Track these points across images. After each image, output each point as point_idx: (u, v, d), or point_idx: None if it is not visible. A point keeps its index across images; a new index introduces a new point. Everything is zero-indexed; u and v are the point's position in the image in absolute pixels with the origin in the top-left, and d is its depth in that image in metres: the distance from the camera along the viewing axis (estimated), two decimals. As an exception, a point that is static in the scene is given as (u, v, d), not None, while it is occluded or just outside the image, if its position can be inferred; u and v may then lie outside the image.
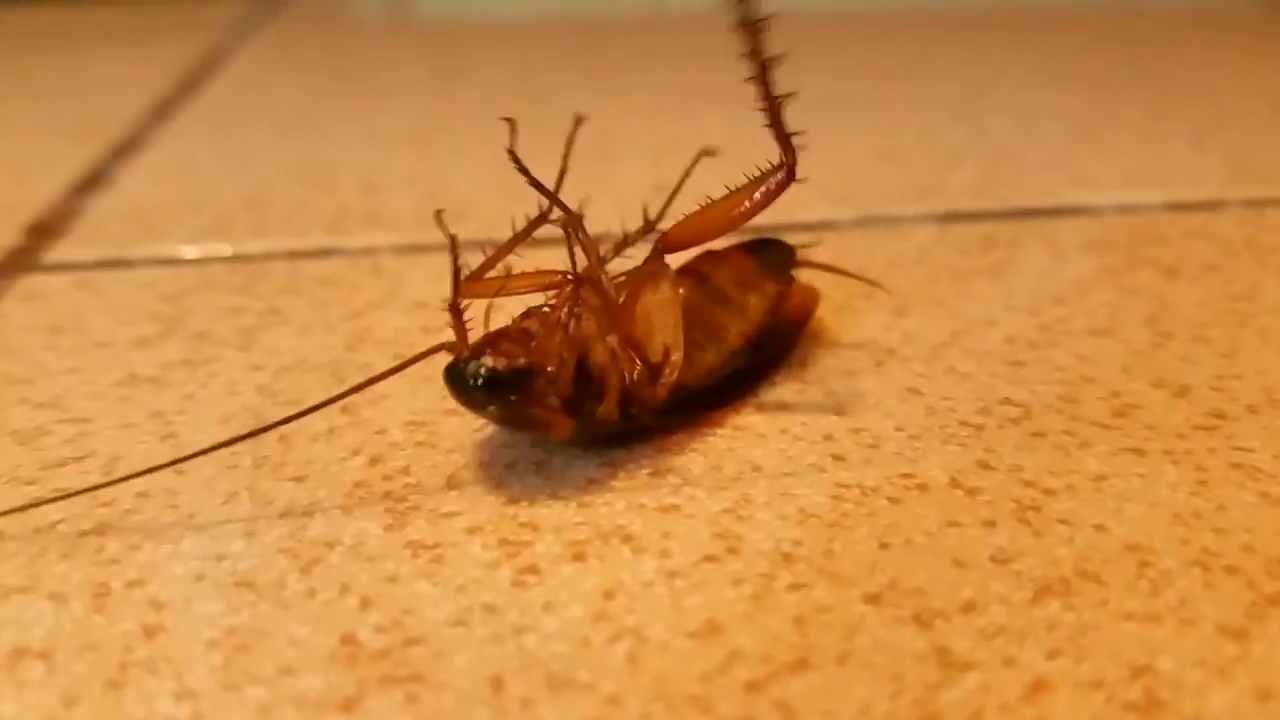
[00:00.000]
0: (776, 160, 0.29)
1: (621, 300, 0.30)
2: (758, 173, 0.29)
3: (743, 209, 0.30)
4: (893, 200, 0.50)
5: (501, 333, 0.29)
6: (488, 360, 0.27)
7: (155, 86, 0.73)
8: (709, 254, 0.34)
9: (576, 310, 0.29)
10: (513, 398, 0.28)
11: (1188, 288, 0.40)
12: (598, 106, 0.67)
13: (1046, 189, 0.51)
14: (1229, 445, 0.30)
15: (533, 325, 0.29)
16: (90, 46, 0.87)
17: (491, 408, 0.28)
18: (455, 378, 0.28)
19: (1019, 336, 0.37)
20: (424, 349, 0.29)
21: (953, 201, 0.50)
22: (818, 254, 0.36)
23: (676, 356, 0.30)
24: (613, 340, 0.30)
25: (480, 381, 0.27)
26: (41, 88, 0.75)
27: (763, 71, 0.28)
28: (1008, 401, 0.33)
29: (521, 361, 0.27)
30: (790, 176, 0.29)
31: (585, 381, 0.29)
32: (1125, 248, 0.44)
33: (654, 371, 0.30)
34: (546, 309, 0.30)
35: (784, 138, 0.29)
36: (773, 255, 0.35)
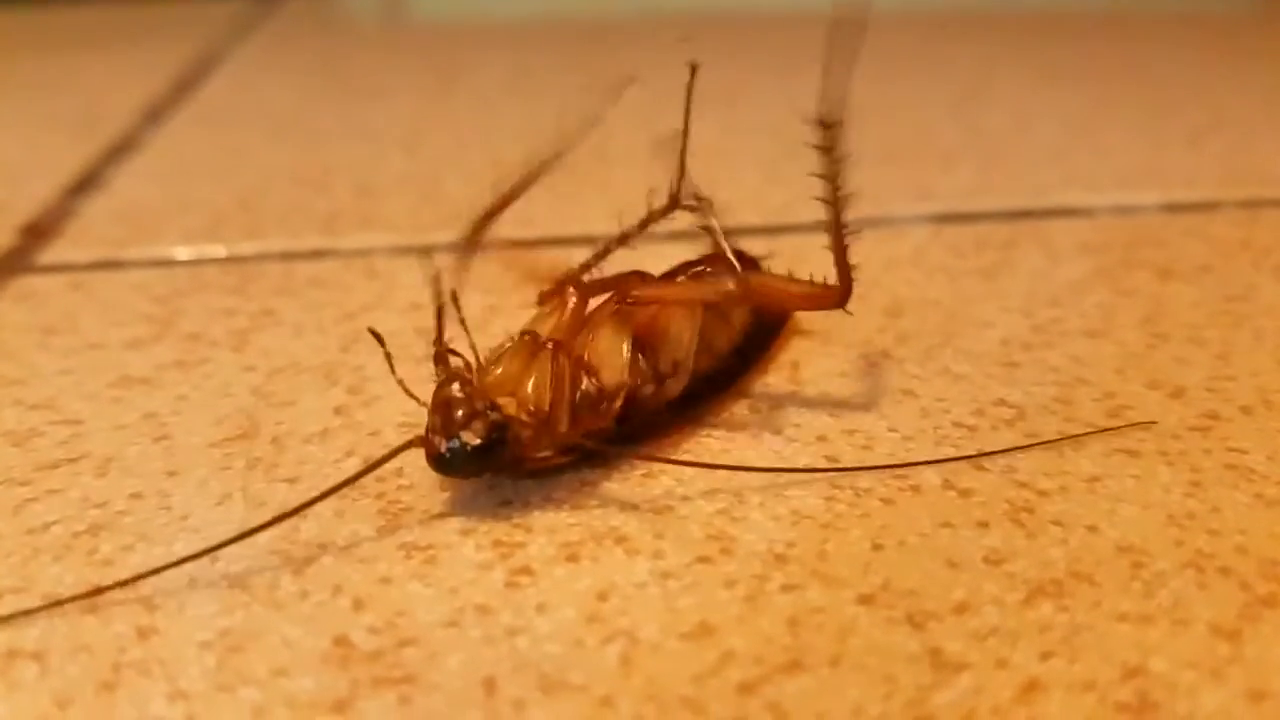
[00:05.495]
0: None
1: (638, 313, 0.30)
2: (810, 280, 0.31)
3: (784, 301, 0.32)
4: (889, 200, 0.50)
5: (455, 400, 0.27)
6: (466, 436, 0.27)
7: (149, 87, 0.73)
8: (687, 264, 0.34)
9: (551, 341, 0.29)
10: (501, 452, 0.27)
11: (1183, 289, 0.40)
12: (592, 108, 0.67)
13: (1042, 189, 0.51)
14: (1223, 446, 0.30)
15: (499, 370, 0.28)
16: (84, 47, 0.87)
17: (486, 474, 0.28)
18: (444, 463, 0.27)
19: (1013, 338, 0.37)
20: (395, 446, 0.28)
21: (948, 202, 0.50)
22: (775, 266, 0.36)
23: (686, 365, 0.30)
24: (620, 356, 0.29)
25: (468, 456, 0.27)
26: (35, 88, 0.75)
27: (836, 211, 0.30)
28: (1002, 403, 0.33)
29: (493, 419, 0.27)
30: (841, 302, 0.30)
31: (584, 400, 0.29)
32: (1120, 249, 0.44)
33: (659, 381, 0.30)
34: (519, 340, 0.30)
35: (845, 268, 0.30)
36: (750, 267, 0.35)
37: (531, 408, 0.28)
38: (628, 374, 0.29)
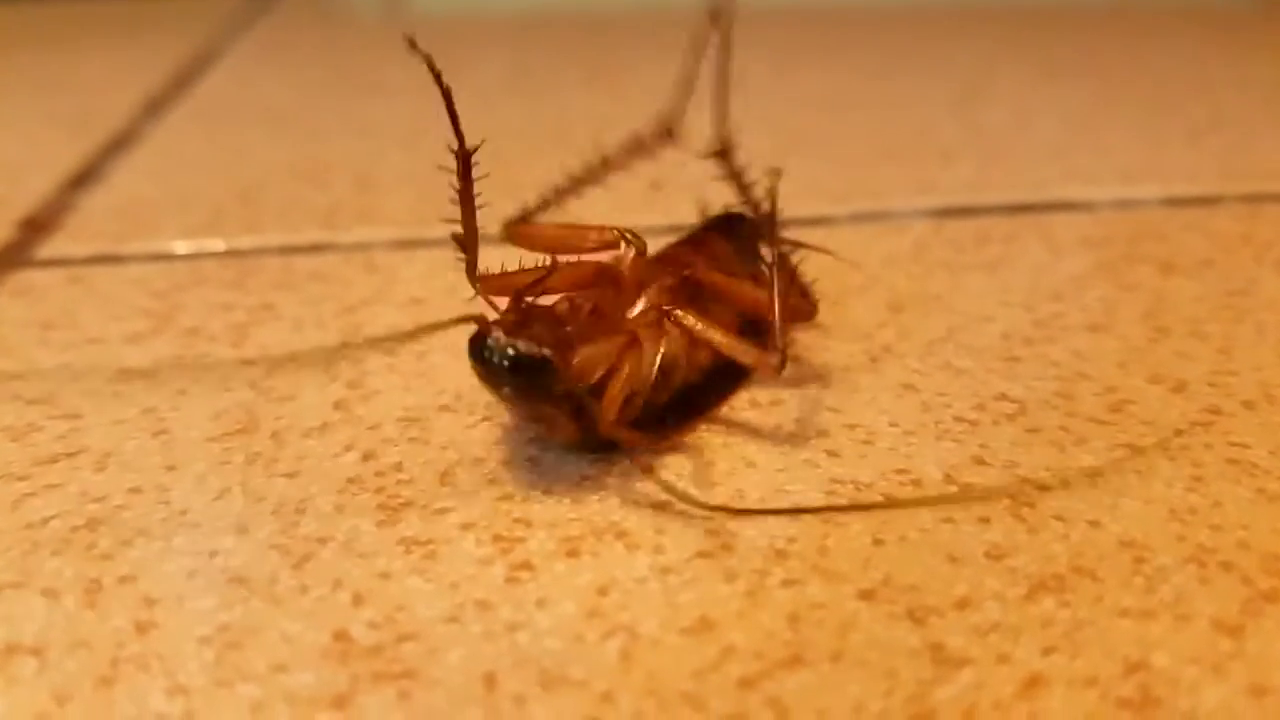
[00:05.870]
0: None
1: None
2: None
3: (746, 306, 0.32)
4: (889, 195, 0.50)
5: (536, 311, 0.28)
6: (519, 343, 0.26)
7: (148, 82, 0.73)
8: (687, 246, 0.34)
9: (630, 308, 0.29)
10: (536, 384, 0.27)
11: (1184, 283, 0.40)
12: (592, 102, 0.67)
13: (1043, 184, 0.51)
14: (1225, 441, 0.30)
15: (567, 309, 0.28)
16: (83, 42, 0.87)
17: (506, 389, 0.28)
18: (479, 351, 0.27)
19: (1015, 332, 0.36)
20: (452, 318, 0.28)
21: (949, 196, 0.50)
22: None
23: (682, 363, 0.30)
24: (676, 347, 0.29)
25: (503, 360, 0.27)
26: (34, 83, 0.75)
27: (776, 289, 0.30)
28: (1003, 397, 0.32)
29: (546, 351, 0.27)
30: (779, 368, 0.29)
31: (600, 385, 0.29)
32: (1122, 243, 0.44)
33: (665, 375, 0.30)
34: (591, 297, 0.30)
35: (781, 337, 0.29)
36: (740, 229, 0.35)
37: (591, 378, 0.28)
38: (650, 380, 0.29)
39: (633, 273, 0.30)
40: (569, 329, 0.28)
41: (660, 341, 0.29)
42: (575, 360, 0.27)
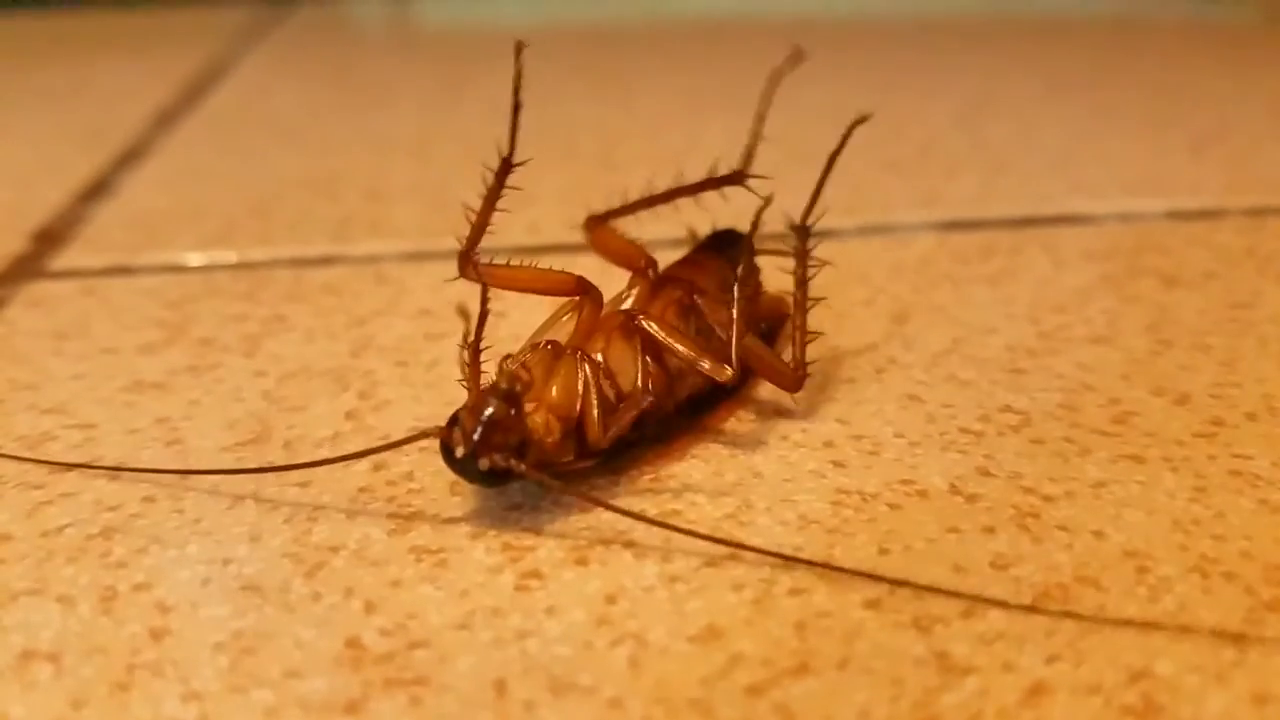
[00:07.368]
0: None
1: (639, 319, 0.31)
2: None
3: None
4: (894, 208, 0.50)
5: (491, 418, 0.27)
6: (483, 462, 0.26)
7: (160, 95, 0.74)
8: (687, 262, 0.35)
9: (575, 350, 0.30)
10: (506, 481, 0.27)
11: (1188, 296, 0.40)
12: (600, 115, 0.67)
13: (1047, 197, 0.51)
14: (1228, 452, 0.30)
15: (521, 382, 0.28)
16: (95, 55, 0.88)
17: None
18: (454, 464, 0.27)
19: (1019, 344, 0.37)
20: (412, 434, 0.28)
21: (953, 210, 0.50)
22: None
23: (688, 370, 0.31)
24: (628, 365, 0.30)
25: (478, 474, 0.27)
26: (47, 96, 0.75)
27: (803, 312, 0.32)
28: (1008, 409, 0.33)
29: (512, 460, 0.26)
30: (795, 387, 0.32)
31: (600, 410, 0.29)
32: (1126, 256, 0.44)
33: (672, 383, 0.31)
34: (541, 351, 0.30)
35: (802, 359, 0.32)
36: (733, 246, 0.35)
37: (560, 415, 0.28)
38: (640, 382, 0.29)
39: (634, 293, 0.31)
40: (529, 392, 0.28)
41: (624, 343, 0.30)
42: (539, 416, 0.28)
